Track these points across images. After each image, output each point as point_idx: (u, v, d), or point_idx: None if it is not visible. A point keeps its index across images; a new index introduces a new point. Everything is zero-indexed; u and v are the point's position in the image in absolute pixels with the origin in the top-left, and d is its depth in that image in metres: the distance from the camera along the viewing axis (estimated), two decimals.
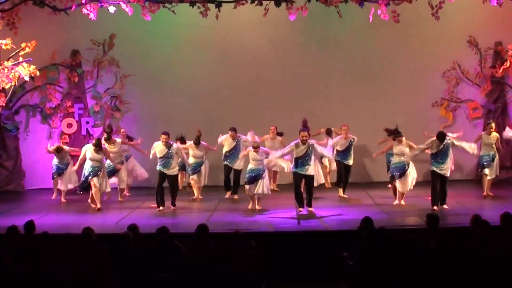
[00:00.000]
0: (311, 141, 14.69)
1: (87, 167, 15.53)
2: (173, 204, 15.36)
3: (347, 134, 16.26)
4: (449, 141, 14.56)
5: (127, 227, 10.13)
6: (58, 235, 10.39)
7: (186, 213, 14.95)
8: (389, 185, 16.02)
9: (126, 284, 8.06)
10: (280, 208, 14.73)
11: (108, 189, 15.87)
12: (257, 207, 14.90)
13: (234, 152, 16.52)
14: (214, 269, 8.27)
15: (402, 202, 14.93)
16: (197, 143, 16.26)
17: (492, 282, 7.79)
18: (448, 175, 14.67)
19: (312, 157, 14.53)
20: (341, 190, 16.48)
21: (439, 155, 14.47)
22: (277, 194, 16.54)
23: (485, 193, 15.86)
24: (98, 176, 15.40)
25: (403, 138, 15.02)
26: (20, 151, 19.16)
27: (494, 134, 15.97)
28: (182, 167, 16.60)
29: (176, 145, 15.44)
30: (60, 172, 16.72)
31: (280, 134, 17.23)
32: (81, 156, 15.75)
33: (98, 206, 15.36)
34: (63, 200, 16.57)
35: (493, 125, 16.13)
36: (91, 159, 15.46)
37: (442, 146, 14.42)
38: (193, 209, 15.46)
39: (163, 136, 15.18)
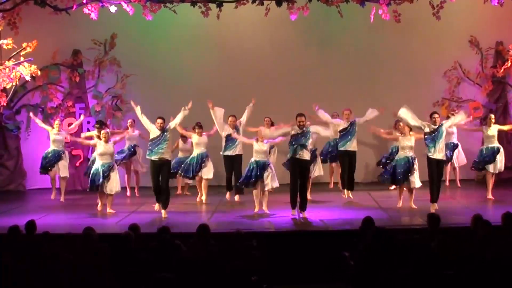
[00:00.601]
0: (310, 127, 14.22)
1: (97, 166, 14.76)
2: (165, 207, 14.39)
3: (348, 119, 15.62)
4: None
5: (128, 227, 10.13)
6: (59, 235, 10.38)
7: (187, 213, 14.92)
8: (392, 187, 15.56)
9: (126, 284, 8.07)
10: (281, 208, 14.66)
11: (118, 189, 15.02)
12: (266, 211, 14.35)
13: (233, 140, 15.82)
14: (215, 269, 8.27)
15: (413, 206, 14.48)
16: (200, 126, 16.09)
17: (493, 282, 7.78)
18: (440, 157, 14.14)
19: (309, 142, 13.95)
20: (347, 192, 15.75)
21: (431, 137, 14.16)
22: (276, 194, 16.48)
23: (489, 196, 15.39)
24: (109, 178, 14.61)
25: (406, 127, 14.83)
26: (21, 151, 19.20)
27: (494, 126, 15.82)
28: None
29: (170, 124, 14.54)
30: (51, 163, 16.21)
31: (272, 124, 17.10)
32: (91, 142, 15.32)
33: (103, 209, 14.87)
34: (62, 200, 16.38)
35: (492, 115, 16.04)
36: (101, 154, 14.68)
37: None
38: (194, 209, 15.44)
39: (159, 121, 14.35)
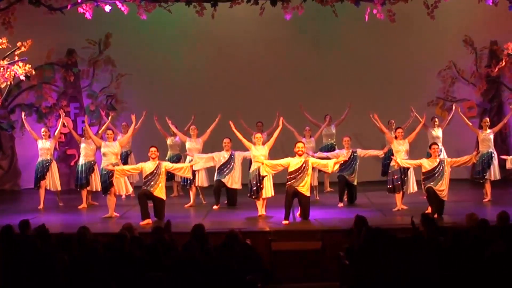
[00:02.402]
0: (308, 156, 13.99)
1: (103, 166, 14.27)
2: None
3: (349, 147, 15.35)
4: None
5: (122, 226, 10.12)
6: (53, 234, 10.35)
7: (182, 212, 14.90)
8: (392, 193, 14.64)
9: (121, 284, 8.05)
10: (276, 208, 14.59)
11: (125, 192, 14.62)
12: (264, 212, 14.05)
13: (227, 167, 15.24)
14: (210, 269, 8.27)
15: (404, 206, 14.34)
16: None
17: (490, 281, 7.80)
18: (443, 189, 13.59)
19: (308, 172, 13.32)
20: (341, 203, 15.32)
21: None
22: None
23: (488, 198, 15.19)
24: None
25: (401, 130, 14.76)
26: (15, 150, 19.18)
27: (489, 131, 15.68)
28: (170, 177, 16.18)
29: (166, 163, 14.12)
30: (44, 173, 15.82)
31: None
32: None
33: (110, 214, 14.21)
34: (60, 204, 16.14)
35: (487, 119, 15.98)
36: (104, 154, 14.26)
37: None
38: (189, 209, 15.41)
39: (152, 149, 13.77)
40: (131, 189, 14.75)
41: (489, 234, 9.22)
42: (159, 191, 13.61)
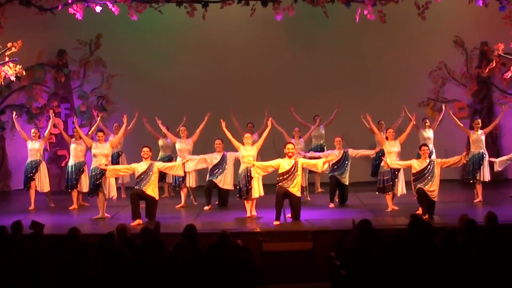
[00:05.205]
0: (299, 157, 14.06)
1: (93, 167, 14.29)
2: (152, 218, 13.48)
3: (340, 147, 15.39)
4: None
5: (116, 227, 10.09)
6: (44, 235, 10.34)
7: (173, 213, 14.90)
8: (381, 193, 14.65)
9: (111, 284, 8.04)
10: (267, 208, 14.60)
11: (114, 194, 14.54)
12: (254, 212, 14.09)
13: (219, 167, 15.33)
14: (201, 269, 8.27)
15: (395, 207, 14.40)
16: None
17: (478, 281, 7.82)
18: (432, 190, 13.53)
19: (298, 173, 13.34)
20: (332, 204, 15.32)
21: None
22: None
23: (479, 199, 15.23)
24: (104, 179, 14.10)
25: (392, 130, 14.81)
26: (6, 151, 19.11)
27: (481, 132, 15.69)
28: (161, 178, 16.10)
29: (158, 163, 14.11)
30: (33, 173, 15.78)
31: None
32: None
33: (100, 215, 14.19)
34: (51, 205, 16.08)
35: (479, 120, 16.02)
36: (96, 155, 14.22)
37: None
38: (180, 210, 15.40)
39: (145, 149, 13.86)
40: (114, 193, 14.52)
41: (477, 234, 9.25)
42: (152, 190, 13.61)
